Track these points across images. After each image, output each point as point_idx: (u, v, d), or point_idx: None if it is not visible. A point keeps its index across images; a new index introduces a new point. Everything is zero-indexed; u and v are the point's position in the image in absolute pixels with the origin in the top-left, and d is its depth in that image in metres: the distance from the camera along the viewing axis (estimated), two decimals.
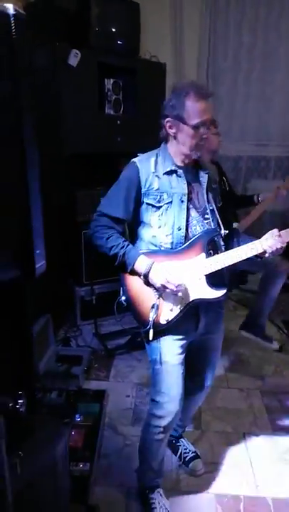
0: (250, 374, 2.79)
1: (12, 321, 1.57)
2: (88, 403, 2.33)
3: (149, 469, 1.77)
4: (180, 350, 1.61)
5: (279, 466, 2.05)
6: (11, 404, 0.93)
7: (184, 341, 1.62)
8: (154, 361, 1.63)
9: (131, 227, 1.62)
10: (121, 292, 1.63)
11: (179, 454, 2.04)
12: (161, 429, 1.68)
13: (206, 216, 1.57)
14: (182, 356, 1.63)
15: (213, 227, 1.57)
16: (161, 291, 1.51)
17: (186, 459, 2.02)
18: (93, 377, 2.72)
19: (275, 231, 1.50)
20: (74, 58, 2.88)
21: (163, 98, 3.50)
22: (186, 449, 2.04)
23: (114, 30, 3.11)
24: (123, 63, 3.27)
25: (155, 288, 1.52)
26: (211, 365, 1.80)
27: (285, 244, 1.48)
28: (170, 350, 1.59)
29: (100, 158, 3.32)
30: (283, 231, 1.49)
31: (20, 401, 0.95)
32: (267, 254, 1.51)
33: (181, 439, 2.07)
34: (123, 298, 1.63)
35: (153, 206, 1.52)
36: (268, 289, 2.90)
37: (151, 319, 1.52)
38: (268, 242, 1.48)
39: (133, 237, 1.63)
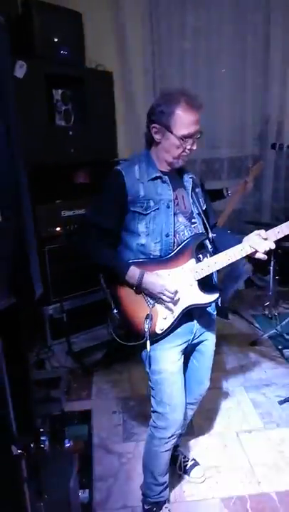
0: (231, 372, 2.82)
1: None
2: (75, 426, 2.22)
3: (155, 484, 1.70)
4: (178, 357, 1.58)
5: (276, 459, 2.07)
6: (32, 444, 0.84)
7: (180, 347, 1.59)
8: (152, 371, 1.58)
9: (117, 236, 1.56)
10: (112, 305, 1.57)
11: (178, 464, 1.99)
12: (166, 440, 1.63)
13: (193, 220, 1.56)
14: (181, 363, 1.60)
15: (200, 231, 1.56)
16: (156, 300, 1.48)
17: (187, 468, 1.97)
18: (74, 397, 2.60)
19: (262, 232, 1.49)
20: (20, 70, 2.78)
21: (112, 107, 3.58)
22: (184, 458, 2.00)
23: (56, 39, 3.06)
24: (70, 73, 3.22)
25: (148, 297, 1.49)
26: (208, 368, 1.79)
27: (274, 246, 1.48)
28: (168, 358, 1.56)
29: (55, 171, 3.23)
30: (269, 231, 1.50)
31: (43, 438, 0.86)
32: (261, 255, 1.49)
33: (179, 448, 2.03)
34: (115, 311, 1.56)
35: (140, 214, 1.48)
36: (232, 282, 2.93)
37: (146, 330, 1.48)
38: (259, 242, 1.47)
39: (119, 246, 1.57)
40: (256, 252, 1.49)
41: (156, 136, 1.47)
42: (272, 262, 3.33)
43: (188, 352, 1.69)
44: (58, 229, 3.10)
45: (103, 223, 1.49)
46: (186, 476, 1.97)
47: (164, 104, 1.43)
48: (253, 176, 3.01)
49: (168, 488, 1.78)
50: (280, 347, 3.09)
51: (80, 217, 3.24)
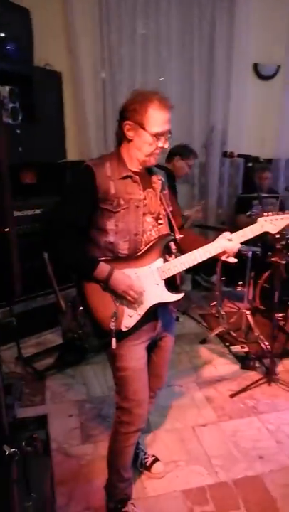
0: (184, 369, 2.90)
1: None
2: (32, 432, 2.13)
3: (120, 480, 1.71)
4: (143, 354, 1.61)
5: (230, 449, 2.16)
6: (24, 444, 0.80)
7: (145, 344, 1.61)
8: (117, 368, 1.59)
9: (85, 233, 1.54)
10: (79, 301, 1.55)
11: (139, 461, 2.00)
12: (132, 435, 1.64)
13: (160, 221, 1.58)
14: (145, 359, 1.63)
15: (166, 231, 1.59)
16: (122, 297, 1.49)
17: (147, 464, 2.00)
18: (28, 403, 2.51)
19: (227, 234, 1.57)
20: None
21: (61, 107, 3.54)
22: (145, 455, 2.03)
23: (3, 34, 2.97)
24: (17, 70, 3.14)
25: (115, 295, 1.50)
26: (167, 363, 1.83)
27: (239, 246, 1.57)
28: (133, 355, 1.57)
29: None
30: (234, 234, 1.58)
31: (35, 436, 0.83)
32: (231, 259, 1.57)
33: (139, 446, 2.04)
34: (81, 308, 1.55)
35: (109, 211, 1.49)
36: None
37: (112, 327, 1.49)
38: (227, 244, 1.54)
39: (87, 244, 1.55)
40: (223, 253, 1.56)
41: (129, 134, 1.49)
42: (219, 264, 3.50)
43: (151, 348, 1.72)
44: (6, 230, 2.98)
45: (73, 219, 1.47)
46: (147, 473, 1.99)
47: (138, 103, 1.45)
48: (202, 207, 3.26)
49: (132, 485, 1.79)
50: (227, 344, 3.24)
51: (45, 214, 3.19)
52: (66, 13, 3.55)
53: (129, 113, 1.46)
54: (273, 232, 1.64)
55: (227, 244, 1.55)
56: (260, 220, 1.62)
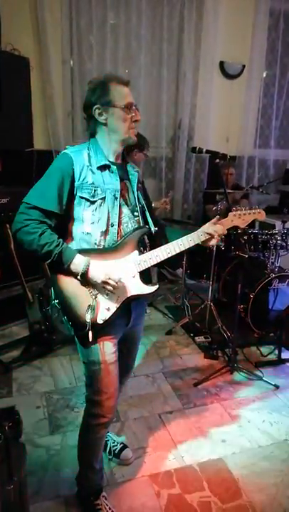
0: (151, 360, 2.97)
1: None
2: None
3: (91, 472, 1.74)
4: (115, 348, 1.62)
5: (195, 435, 2.26)
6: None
7: (117, 338, 1.63)
8: (90, 362, 1.59)
9: (60, 223, 1.52)
10: (53, 295, 1.55)
11: (108, 449, 2.05)
12: (102, 426, 1.67)
13: (135, 214, 1.61)
14: (117, 353, 1.63)
15: (141, 224, 1.61)
16: (99, 289, 1.50)
17: (116, 451, 2.05)
18: None
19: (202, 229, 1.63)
20: None
21: (28, 94, 3.45)
22: (114, 442, 2.07)
23: None
24: None
25: (91, 287, 1.50)
26: (136, 352, 1.88)
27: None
28: (106, 349, 1.58)
29: None
30: (205, 226, 1.64)
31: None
32: (213, 241, 1.63)
33: (108, 434, 2.08)
34: (56, 301, 1.55)
35: (87, 200, 1.49)
36: None
37: (88, 320, 1.48)
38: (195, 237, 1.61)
39: (62, 234, 1.53)
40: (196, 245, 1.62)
41: (101, 117, 1.51)
42: (184, 258, 3.60)
43: (122, 339, 1.73)
44: None
45: (47, 207, 1.44)
46: (116, 460, 2.04)
47: (99, 87, 1.49)
48: (169, 199, 3.31)
49: (103, 476, 1.82)
50: (191, 334, 3.35)
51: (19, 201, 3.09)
52: (36, 2, 3.46)
53: (95, 97, 1.49)
54: (242, 226, 1.74)
55: (195, 236, 1.62)
56: (230, 215, 1.70)
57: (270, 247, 3.37)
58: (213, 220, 1.66)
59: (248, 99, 4.53)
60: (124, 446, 2.07)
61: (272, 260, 3.42)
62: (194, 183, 4.53)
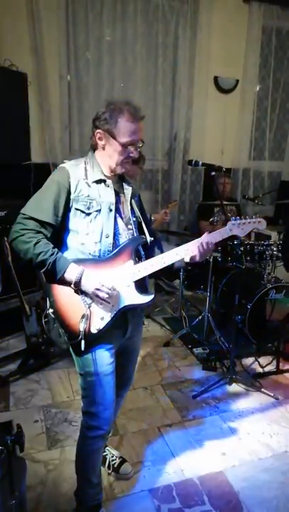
0: (149, 372, 2.96)
1: None
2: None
3: (89, 486, 1.71)
4: (112, 359, 1.62)
5: (194, 448, 2.24)
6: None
7: (114, 349, 1.63)
8: (86, 374, 1.59)
9: (56, 234, 1.54)
10: (48, 304, 1.56)
11: (107, 463, 2.03)
12: (99, 439, 1.66)
13: (129, 226, 1.63)
14: (114, 364, 1.63)
15: (136, 235, 1.64)
16: (93, 298, 1.51)
17: (115, 466, 2.02)
18: None
19: (201, 238, 1.65)
20: None
21: (26, 109, 3.50)
22: (112, 457, 2.05)
23: None
24: None
25: (86, 296, 1.51)
26: (135, 364, 1.88)
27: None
28: (103, 360, 1.58)
29: None
30: (204, 236, 1.66)
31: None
32: (197, 258, 1.65)
33: (107, 448, 2.06)
34: (50, 310, 1.56)
35: (82, 212, 1.51)
36: None
37: (81, 329, 1.50)
38: (193, 248, 1.63)
39: (58, 245, 1.55)
40: (194, 256, 1.64)
41: (101, 142, 1.53)
42: (182, 269, 3.61)
43: (120, 350, 1.73)
44: None
45: (42, 218, 1.47)
46: (115, 474, 2.02)
47: (109, 113, 1.49)
48: (170, 209, 3.35)
49: (102, 491, 1.80)
50: (189, 346, 3.34)
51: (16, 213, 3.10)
52: (32, 15, 3.53)
53: (101, 122, 1.51)
54: (241, 235, 1.75)
55: (196, 246, 1.63)
56: (229, 224, 1.72)
57: (267, 258, 3.39)
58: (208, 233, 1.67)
59: (242, 112, 4.60)
60: (123, 461, 2.05)
61: (269, 271, 3.44)
62: (190, 194, 4.57)
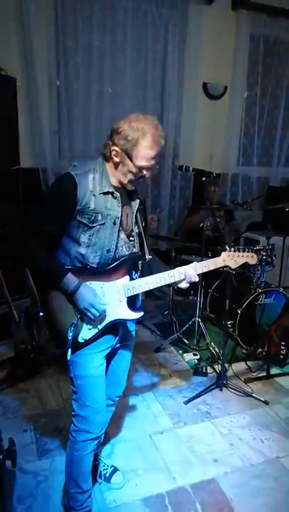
0: (140, 378, 2.93)
1: None
2: None
3: (79, 493, 1.70)
4: (102, 362, 1.63)
5: (186, 455, 2.22)
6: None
7: (104, 352, 1.64)
8: (76, 377, 1.60)
9: (58, 240, 1.54)
10: (40, 308, 1.56)
11: (98, 472, 2.00)
12: (89, 442, 1.65)
13: (131, 238, 1.62)
14: (104, 367, 1.65)
15: (135, 249, 1.63)
16: (81, 313, 1.52)
17: (107, 475, 2.00)
18: None
19: (193, 264, 1.65)
20: None
21: (15, 114, 3.47)
22: (104, 466, 2.02)
23: None
24: None
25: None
26: (126, 369, 1.87)
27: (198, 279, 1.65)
28: (92, 363, 1.59)
29: None
30: (197, 264, 1.67)
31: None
32: (183, 285, 1.64)
33: (98, 457, 2.04)
34: (41, 314, 1.57)
35: (85, 225, 1.49)
36: None
37: (69, 338, 1.51)
38: (188, 272, 1.62)
39: (58, 250, 1.56)
40: (182, 280, 1.63)
41: (115, 159, 1.49)
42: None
43: (112, 354, 1.74)
44: None
45: (47, 228, 1.47)
46: (106, 484, 1.99)
47: (131, 131, 1.43)
48: (156, 215, 3.34)
49: (91, 498, 1.77)
50: (180, 351, 3.33)
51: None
52: (21, 18, 3.51)
53: (121, 140, 1.44)
54: (233, 267, 1.78)
55: (189, 272, 1.63)
56: (223, 254, 1.75)
57: (256, 263, 3.40)
58: (192, 265, 1.66)
59: (231, 118, 4.65)
60: (115, 470, 2.03)
61: (258, 276, 3.46)
62: (180, 199, 4.59)
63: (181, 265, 1.68)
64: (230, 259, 1.76)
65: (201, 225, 3.25)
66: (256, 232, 4.46)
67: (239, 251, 1.78)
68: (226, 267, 1.78)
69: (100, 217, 1.49)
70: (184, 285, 1.65)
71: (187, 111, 4.38)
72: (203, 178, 2.58)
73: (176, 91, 4.29)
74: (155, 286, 1.59)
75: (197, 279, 1.64)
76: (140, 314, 1.61)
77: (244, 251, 1.80)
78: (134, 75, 4.09)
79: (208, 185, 3.99)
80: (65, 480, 1.74)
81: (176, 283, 1.65)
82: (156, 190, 4.51)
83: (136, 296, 1.62)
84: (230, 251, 1.77)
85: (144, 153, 1.45)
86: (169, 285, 1.66)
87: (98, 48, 3.86)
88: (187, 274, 1.62)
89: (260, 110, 4.80)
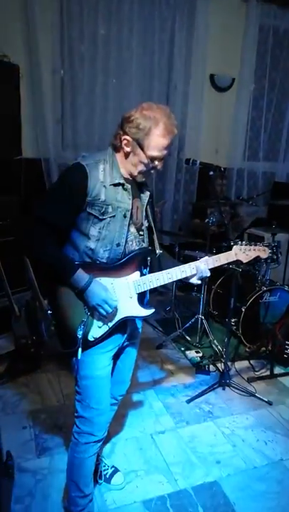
0: (141, 375, 2.88)
1: None
2: None
3: (81, 497, 1.65)
4: (109, 362, 1.58)
5: (188, 456, 2.18)
6: None
7: (111, 352, 1.59)
8: (81, 377, 1.55)
9: (66, 234, 1.48)
10: (46, 305, 1.49)
11: (99, 473, 1.95)
12: (92, 445, 1.60)
13: (141, 233, 1.55)
14: (110, 367, 1.60)
15: (145, 244, 1.57)
16: (92, 310, 1.46)
17: (107, 476, 1.95)
18: None
19: (204, 259, 1.59)
20: None
21: (18, 102, 3.38)
22: (104, 466, 1.98)
23: None
24: None
25: (87, 304, 1.45)
26: (131, 368, 1.83)
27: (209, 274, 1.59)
28: (99, 363, 1.54)
29: None
30: (209, 258, 1.60)
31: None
32: (195, 281, 1.59)
33: (99, 457, 1.98)
34: (49, 312, 1.50)
35: (95, 217, 1.42)
36: None
37: (79, 336, 1.44)
38: (200, 267, 1.56)
39: (65, 243, 1.49)
40: (193, 276, 1.57)
41: (126, 148, 1.43)
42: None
43: (118, 354, 1.68)
44: None
45: (54, 221, 1.39)
46: (106, 485, 1.94)
47: (142, 120, 1.37)
48: (159, 208, 3.27)
49: (93, 502, 1.73)
50: (182, 348, 3.28)
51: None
52: (26, 6, 3.41)
53: (132, 129, 1.39)
54: (245, 261, 1.71)
55: (200, 267, 1.57)
56: (235, 248, 1.68)
57: (261, 260, 3.35)
58: (203, 260, 1.60)
59: (238, 111, 4.56)
60: (116, 470, 1.98)
61: (263, 273, 3.40)
62: (184, 194, 4.51)
63: (184, 261, 1.63)
64: (241, 253, 1.68)
65: (207, 220, 3.18)
66: (261, 228, 4.39)
67: (251, 245, 1.71)
68: (237, 261, 1.70)
69: (110, 210, 1.43)
70: (195, 281, 1.59)
71: (193, 103, 4.28)
72: (211, 173, 2.50)
73: (183, 82, 4.19)
74: (166, 282, 1.53)
75: (209, 274, 1.58)
76: (151, 311, 1.55)
77: (255, 245, 1.73)
78: (140, 65, 3.99)
79: (216, 180, 3.92)
80: (66, 481, 1.69)
81: (187, 278, 1.59)
82: (161, 184, 4.42)
83: (145, 292, 1.55)
84: (241, 245, 1.70)
85: (157, 143, 1.39)
86: (180, 281, 1.60)
87: (104, 37, 3.76)
88: (199, 268, 1.56)
89: (268, 103, 4.70)
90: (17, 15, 3.42)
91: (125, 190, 1.47)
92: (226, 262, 1.65)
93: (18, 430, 2.26)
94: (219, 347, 3.16)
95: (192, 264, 1.57)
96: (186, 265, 1.56)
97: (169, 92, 4.23)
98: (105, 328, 1.50)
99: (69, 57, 3.69)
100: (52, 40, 3.58)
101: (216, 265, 1.61)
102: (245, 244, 1.70)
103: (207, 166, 2.51)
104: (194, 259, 1.70)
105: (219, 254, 1.64)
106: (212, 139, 4.51)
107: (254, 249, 1.71)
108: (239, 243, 1.70)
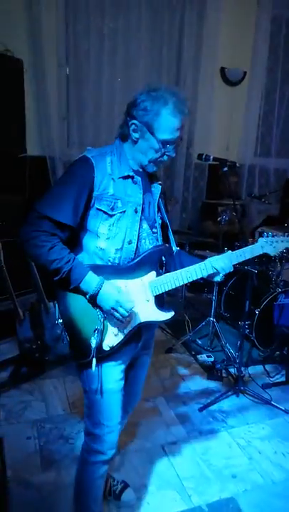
0: (151, 381, 2.75)
1: None
2: None
3: None
4: (122, 376, 1.46)
5: (202, 469, 2.05)
6: None
7: (125, 364, 1.47)
8: (92, 391, 1.41)
9: (72, 234, 1.34)
10: (57, 314, 1.36)
11: (108, 488, 1.83)
12: (102, 465, 1.48)
13: (154, 230, 1.44)
14: (123, 381, 1.47)
15: (159, 241, 1.45)
16: (108, 315, 1.33)
17: (117, 492, 1.83)
18: None
19: (228, 253, 1.47)
20: None
21: (21, 97, 3.27)
22: (114, 482, 1.86)
23: None
24: None
25: (101, 310, 1.32)
26: (143, 380, 1.71)
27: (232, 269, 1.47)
28: (112, 377, 1.42)
29: None
30: (233, 253, 1.48)
31: None
32: (219, 278, 1.47)
33: (108, 472, 1.87)
34: (60, 321, 1.36)
35: (105, 213, 1.30)
36: None
37: (93, 346, 1.31)
38: (221, 263, 1.44)
39: (74, 246, 1.36)
40: (216, 273, 1.45)
41: (135, 135, 1.32)
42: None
43: (130, 365, 1.56)
44: None
45: (58, 217, 1.25)
46: (116, 501, 1.82)
47: (150, 101, 1.27)
48: (170, 207, 3.17)
49: None
50: (193, 353, 3.15)
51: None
52: (31, 5, 3.29)
53: (140, 111, 1.28)
54: (272, 254, 1.58)
55: (222, 263, 1.44)
56: (261, 240, 1.55)
57: (275, 260, 3.21)
58: (226, 254, 1.48)
59: (249, 106, 4.40)
60: (126, 486, 1.86)
61: (277, 273, 3.26)
62: (194, 191, 4.37)
63: None
64: (268, 245, 1.55)
65: (219, 219, 3.05)
66: (272, 227, 4.24)
67: (278, 236, 1.57)
68: (265, 254, 1.57)
69: (120, 204, 1.31)
70: (218, 278, 1.47)
71: (203, 97, 4.14)
72: (225, 169, 2.37)
73: (192, 76, 4.05)
74: (186, 282, 1.41)
75: (232, 270, 1.46)
76: (171, 314, 1.42)
77: (283, 235, 1.59)
78: (148, 59, 3.85)
79: (229, 176, 3.77)
80: (73, 499, 1.57)
81: (209, 276, 1.46)
82: (169, 181, 4.28)
83: (162, 294, 1.43)
84: (267, 236, 1.56)
85: (167, 123, 1.28)
86: (201, 279, 1.47)
87: (111, 30, 3.62)
88: (221, 265, 1.43)
89: (281, 97, 4.53)
90: (20, 8, 3.30)
91: (135, 183, 1.35)
92: (251, 256, 1.52)
93: (23, 441, 2.14)
94: (232, 351, 3.03)
95: (213, 260, 1.44)
96: (206, 261, 1.44)
97: (178, 85, 4.09)
98: (121, 336, 1.37)
99: (74, 50, 3.57)
100: (56, 34, 3.46)
101: (240, 260, 1.49)
102: (272, 236, 1.56)
103: (221, 161, 2.37)
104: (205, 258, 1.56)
105: (243, 248, 1.51)
106: (222, 134, 4.37)
107: (282, 241, 1.57)
108: (264, 235, 1.56)
